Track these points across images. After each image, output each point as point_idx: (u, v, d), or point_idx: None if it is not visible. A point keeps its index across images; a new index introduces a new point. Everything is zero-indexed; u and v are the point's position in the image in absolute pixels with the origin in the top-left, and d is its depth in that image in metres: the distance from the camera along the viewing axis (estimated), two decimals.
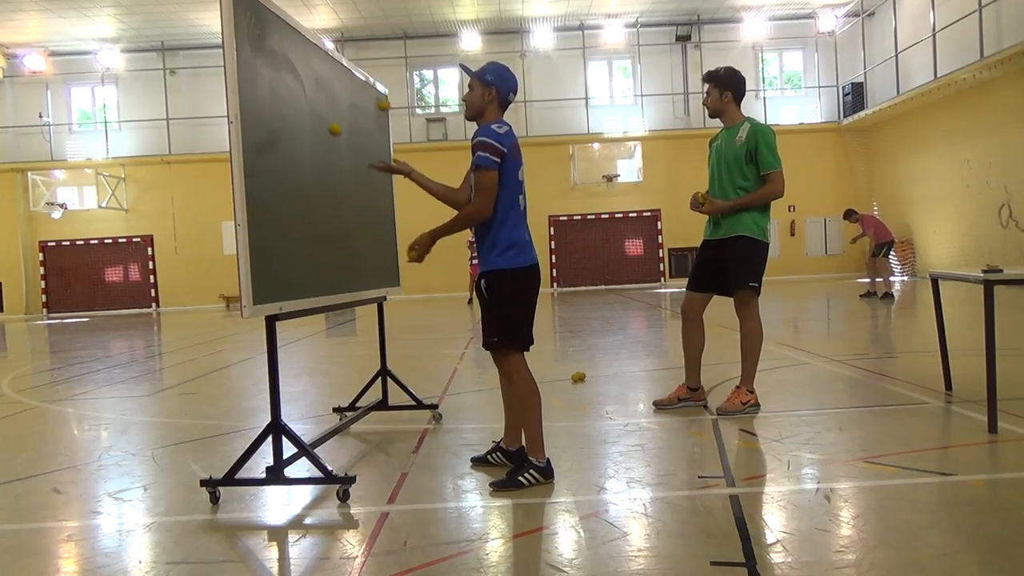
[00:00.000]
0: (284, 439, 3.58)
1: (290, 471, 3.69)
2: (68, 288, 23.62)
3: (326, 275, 4.20)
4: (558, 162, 22.51)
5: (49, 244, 23.58)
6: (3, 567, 2.94)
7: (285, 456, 3.62)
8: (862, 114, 21.53)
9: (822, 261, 23.39)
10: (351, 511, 3.40)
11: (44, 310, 23.55)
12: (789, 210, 23.01)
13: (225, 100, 3.30)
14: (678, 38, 23.16)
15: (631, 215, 23.25)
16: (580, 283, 23.11)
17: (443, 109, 23.94)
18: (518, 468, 3.64)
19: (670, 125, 22.86)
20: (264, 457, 3.63)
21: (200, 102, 22.90)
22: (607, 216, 23.20)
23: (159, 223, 23.34)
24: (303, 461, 3.78)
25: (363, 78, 5.02)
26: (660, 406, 5.13)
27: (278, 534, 3.24)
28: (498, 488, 3.56)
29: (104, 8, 20.26)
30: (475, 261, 18.45)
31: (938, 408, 4.93)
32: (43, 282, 23.58)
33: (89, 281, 23.65)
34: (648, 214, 23.12)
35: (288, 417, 4.43)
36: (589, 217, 23.23)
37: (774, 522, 3.04)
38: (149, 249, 23.53)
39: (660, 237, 23.15)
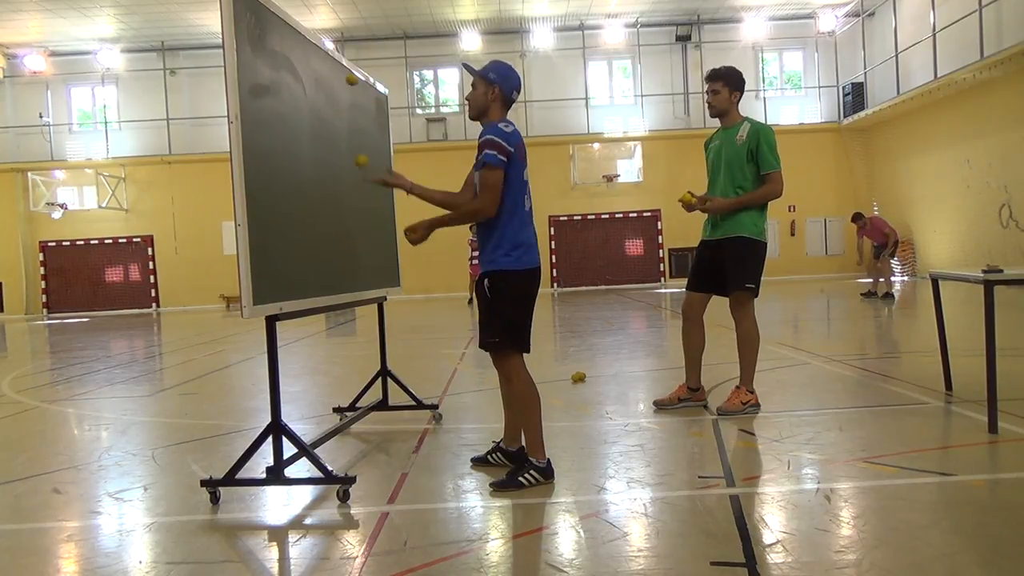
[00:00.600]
0: (284, 439, 3.58)
1: (290, 471, 3.69)
2: (68, 288, 23.63)
3: (326, 275, 4.20)
4: (558, 162, 22.51)
5: (49, 244, 23.58)
6: (3, 567, 2.94)
7: (285, 456, 3.62)
8: (862, 114, 21.53)
9: (822, 261, 23.39)
10: (351, 511, 3.40)
11: (44, 310, 23.55)
12: (789, 210, 23.01)
13: (225, 100, 3.30)
14: (678, 38, 23.16)
15: (631, 215, 23.25)
16: (580, 283, 23.11)
17: (443, 109, 23.94)
18: (518, 468, 3.64)
19: (670, 125, 22.86)
20: (264, 457, 3.63)
21: (200, 102, 22.91)
22: (607, 216, 23.20)
23: (159, 223, 23.35)
24: (303, 461, 3.78)
25: (363, 78, 5.02)
26: (660, 406, 5.13)
27: (278, 534, 3.24)
28: (498, 488, 3.56)
29: (104, 8, 20.26)
30: (475, 261, 18.46)
31: (938, 408, 4.93)
32: (43, 282, 23.59)
33: (89, 281, 23.65)
34: (648, 214, 23.12)
35: (288, 417, 4.43)
36: (589, 217, 23.23)
37: (774, 522, 3.04)
38: (149, 249, 23.53)
39: (660, 237, 23.15)
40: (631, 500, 3.38)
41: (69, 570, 2.94)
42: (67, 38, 22.18)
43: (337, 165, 4.44)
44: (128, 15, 20.82)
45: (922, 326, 9.93)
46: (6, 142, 23.35)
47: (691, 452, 4.19)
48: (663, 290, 21.28)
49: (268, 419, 3.61)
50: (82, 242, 23.57)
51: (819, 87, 23.51)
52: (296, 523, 3.35)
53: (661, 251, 23.29)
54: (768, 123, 24.74)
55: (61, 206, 22.90)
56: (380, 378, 5.19)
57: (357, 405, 5.05)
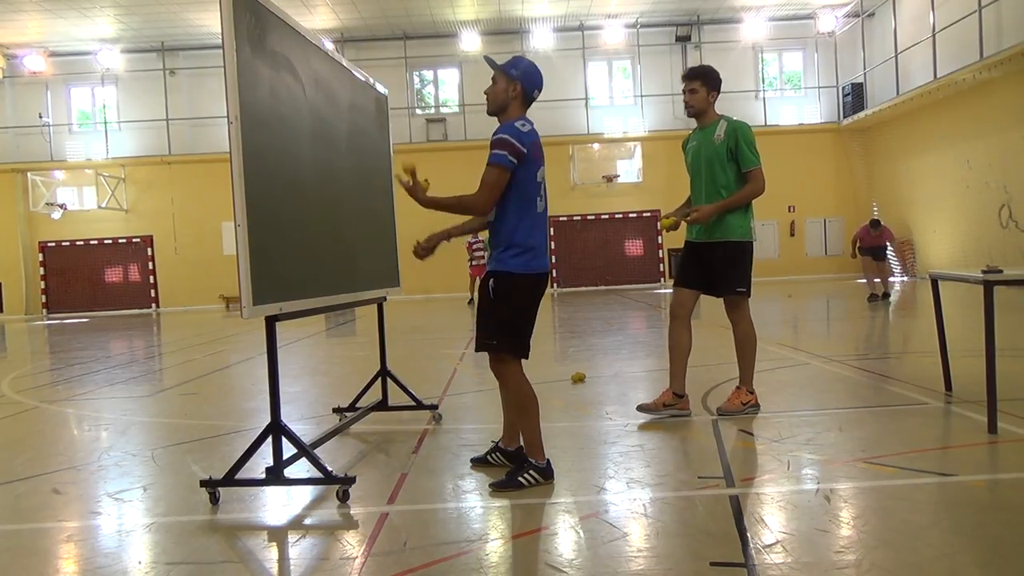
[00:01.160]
0: (284, 439, 3.58)
1: (290, 471, 3.69)
2: (68, 288, 23.62)
3: (326, 275, 4.20)
4: (558, 162, 22.48)
5: (49, 244, 23.58)
6: (3, 567, 2.94)
7: (285, 456, 3.61)
8: (862, 114, 21.53)
9: (822, 261, 23.39)
10: (351, 511, 3.40)
11: (44, 310, 23.54)
12: (789, 210, 23.01)
13: (225, 100, 3.30)
14: (678, 38, 23.17)
15: (631, 215, 23.24)
16: (580, 283, 23.11)
17: (443, 109, 23.93)
18: (518, 468, 3.63)
19: (670, 126, 22.83)
20: (264, 457, 3.63)
21: (200, 102, 22.90)
22: (607, 216, 23.20)
23: (159, 223, 23.34)
24: (303, 461, 3.78)
25: (363, 79, 5.02)
26: (644, 410, 4.95)
27: (278, 534, 3.24)
28: (498, 488, 3.55)
29: (104, 8, 20.26)
30: (475, 262, 18.45)
31: (938, 408, 4.93)
32: (43, 282, 23.58)
33: (89, 281, 23.64)
34: (648, 214, 23.11)
35: (288, 417, 4.43)
36: (589, 217, 23.22)
37: (774, 523, 3.04)
38: (149, 249, 23.52)
39: (660, 238, 23.13)
40: (631, 500, 3.38)
41: (69, 570, 2.94)
42: (67, 38, 22.18)
43: (337, 165, 4.44)
44: (128, 15, 20.82)
45: (922, 326, 9.93)
46: (6, 142, 23.35)
47: (691, 452, 4.19)
48: (663, 290, 21.27)
49: (268, 419, 3.61)
50: (82, 242, 23.56)
51: (819, 87, 23.51)
52: (296, 523, 3.35)
53: (661, 251, 23.28)
54: (768, 124, 24.70)
55: (61, 206, 22.89)
56: (380, 378, 5.19)
57: (357, 405, 5.05)
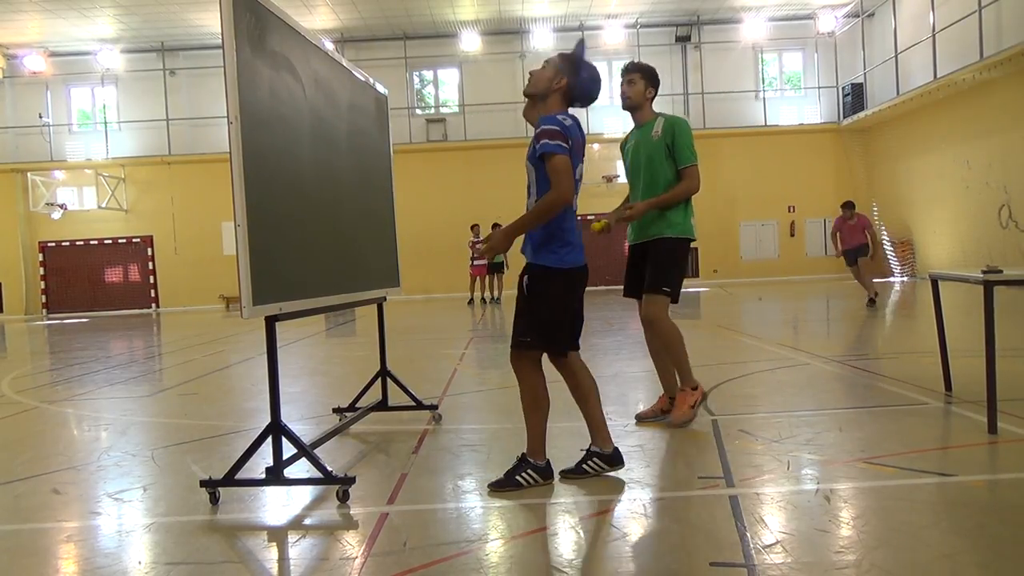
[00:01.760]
0: (284, 440, 3.58)
1: (290, 472, 3.68)
2: (68, 288, 23.63)
3: (326, 275, 4.20)
4: None
5: (49, 244, 23.58)
6: (3, 567, 2.94)
7: (285, 457, 3.61)
8: (862, 115, 21.54)
9: (822, 262, 23.37)
10: (351, 512, 3.39)
11: (44, 310, 23.55)
12: (789, 211, 23.02)
13: (225, 100, 3.30)
14: (678, 39, 23.18)
15: None
16: None
17: (443, 110, 23.94)
18: (516, 467, 3.62)
19: None
20: (264, 458, 3.62)
21: (200, 102, 22.91)
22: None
23: (159, 223, 23.35)
24: (303, 462, 3.78)
25: (363, 79, 5.02)
26: (643, 419, 4.85)
27: (278, 535, 3.23)
28: (496, 488, 3.55)
29: (104, 8, 20.27)
30: (476, 262, 18.45)
31: (938, 409, 4.93)
32: (43, 282, 23.59)
33: (89, 281, 23.65)
34: None
35: (288, 418, 4.43)
36: (589, 217, 23.20)
37: (774, 523, 3.04)
38: (149, 249, 23.53)
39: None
40: (631, 500, 3.38)
41: (69, 571, 2.94)
42: (67, 38, 22.18)
43: (337, 165, 4.44)
44: (128, 15, 20.82)
45: (922, 326, 9.93)
46: (6, 142, 23.36)
47: (691, 452, 4.19)
48: None
49: (268, 419, 3.60)
50: (82, 242, 23.56)
51: (819, 88, 23.51)
52: (296, 523, 3.35)
53: None
54: (768, 124, 24.65)
55: (61, 206, 22.89)
56: (380, 378, 5.19)
57: (357, 405, 5.05)
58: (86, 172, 23.10)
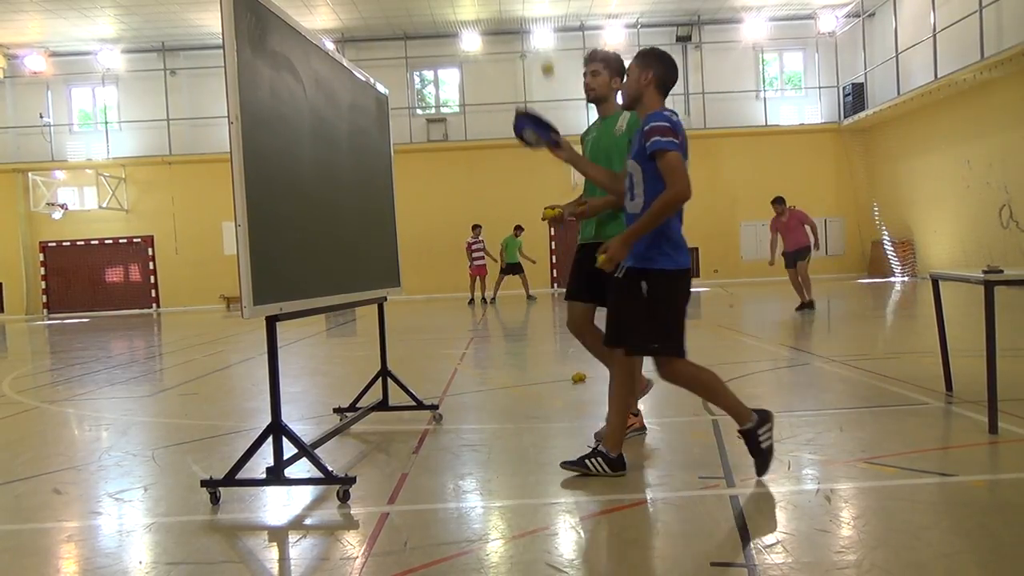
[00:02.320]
0: (284, 439, 3.58)
1: (290, 471, 3.69)
2: (68, 288, 23.62)
3: (326, 275, 4.20)
4: (559, 162, 22.37)
5: (49, 244, 23.58)
6: (3, 567, 2.94)
7: (285, 456, 3.61)
8: (862, 115, 21.53)
9: (822, 262, 23.25)
10: (351, 511, 3.40)
11: (44, 310, 23.55)
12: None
13: (225, 100, 3.30)
14: (678, 39, 23.14)
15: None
16: None
17: (443, 109, 23.93)
18: (591, 453, 3.68)
19: None
20: (264, 458, 3.62)
21: (200, 102, 22.90)
22: None
23: (159, 223, 23.35)
24: (303, 461, 3.78)
25: (363, 79, 5.02)
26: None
27: (278, 534, 3.24)
28: (567, 466, 3.66)
29: (104, 8, 20.27)
30: (476, 263, 18.44)
31: (938, 409, 4.93)
32: (43, 282, 23.58)
33: (89, 281, 23.65)
34: None
35: (288, 418, 4.43)
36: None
37: (774, 523, 3.04)
38: (149, 249, 23.53)
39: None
40: (631, 500, 3.38)
41: (69, 570, 2.94)
42: (67, 38, 22.18)
43: (338, 165, 4.44)
44: (128, 15, 20.83)
45: (922, 327, 9.93)
46: (6, 142, 23.36)
47: (691, 452, 4.19)
48: None
49: (268, 419, 3.60)
50: (82, 242, 23.56)
51: (819, 87, 23.49)
52: (296, 523, 3.35)
53: None
54: (768, 124, 24.60)
55: (61, 206, 22.89)
56: (380, 378, 5.19)
57: (357, 405, 5.05)
58: (87, 172, 23.10)
